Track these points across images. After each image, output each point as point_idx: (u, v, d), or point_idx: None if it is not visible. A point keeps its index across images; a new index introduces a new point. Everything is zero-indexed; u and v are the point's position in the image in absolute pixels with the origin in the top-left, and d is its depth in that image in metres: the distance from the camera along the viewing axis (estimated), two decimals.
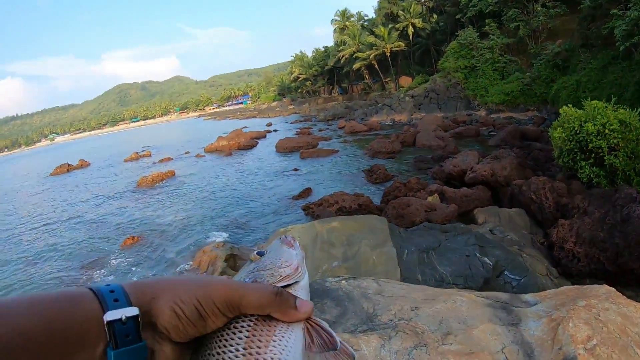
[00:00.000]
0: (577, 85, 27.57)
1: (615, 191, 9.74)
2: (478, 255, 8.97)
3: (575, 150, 12.63)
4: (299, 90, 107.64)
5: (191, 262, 13.44)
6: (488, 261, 8.86)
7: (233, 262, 12.22)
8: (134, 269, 15.12)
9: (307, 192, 21.88)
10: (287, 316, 0.67)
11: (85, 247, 19.24)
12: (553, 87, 31.86)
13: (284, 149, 38.40)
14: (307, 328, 0.69)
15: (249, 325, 0.65)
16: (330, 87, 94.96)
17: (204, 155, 44.36)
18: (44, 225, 25.96)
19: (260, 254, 0.80)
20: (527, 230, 12.21)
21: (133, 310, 0.58)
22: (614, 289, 4.37)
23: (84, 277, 15.41)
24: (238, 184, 26.94)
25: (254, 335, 0.64)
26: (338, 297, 4.16)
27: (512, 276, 8.80)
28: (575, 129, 12.53)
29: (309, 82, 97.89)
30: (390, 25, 63.40)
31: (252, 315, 0.66)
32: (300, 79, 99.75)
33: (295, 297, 0.69)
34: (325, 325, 0.69)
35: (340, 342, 0.67)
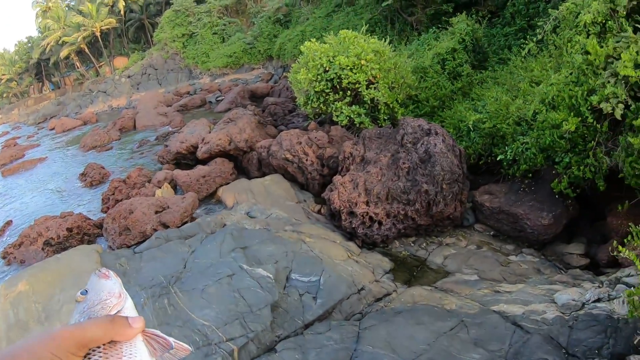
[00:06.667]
0: (302, 36, 27.20)
1: (396, 126, 7.46)
2: (246, 267, 5.26)
3: (327, 90, 10.36)
4: (5, 95, 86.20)
5: None
6: (265, 273, 5.28)
7: None
8: None
9: (7, 226, 14.24)
10: (126, 335, 0.79)
11: None
12: (277, 42, 31.38)
13: None
14: (146, 339, 0.82)
15: (99, 355, 0.76)
16: (40, 84, 79.29)
17: None
18: None
19: (84, 293, 0.87)
20: (293, 200, 9.31)
21: None
22: None
23: None
24: None
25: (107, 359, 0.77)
26: None
27: (305, 279, 5.60)
28: (325, 66, 10.12)
29: (15, 82, 79.31)
30: (98, 1, 54.85)
31: (99, 346, 0.77)
32: (3, 81, 79.43)
33: (127, 317, 0.81)
34: (158, 332, 0.84)
35: (174, 341, 0.82)
